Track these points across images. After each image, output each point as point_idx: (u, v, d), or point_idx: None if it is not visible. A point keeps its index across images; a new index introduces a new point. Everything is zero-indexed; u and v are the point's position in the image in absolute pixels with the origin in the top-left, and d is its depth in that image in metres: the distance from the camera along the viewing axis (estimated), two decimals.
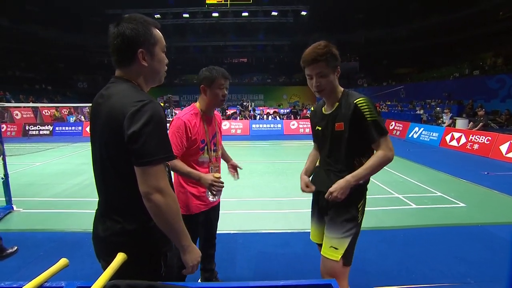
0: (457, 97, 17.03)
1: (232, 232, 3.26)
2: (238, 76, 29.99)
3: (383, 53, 27.42)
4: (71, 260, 0.98)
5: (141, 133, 0.92)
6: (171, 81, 28.58)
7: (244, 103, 17.96)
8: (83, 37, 27.83)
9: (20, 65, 24.19)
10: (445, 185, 4.99)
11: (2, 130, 4.59)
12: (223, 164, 2.07)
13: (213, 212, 2.04)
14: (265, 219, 3.66)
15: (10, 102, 16.38)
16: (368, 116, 1.41)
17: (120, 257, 0.94)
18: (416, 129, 10.92)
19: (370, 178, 1.55)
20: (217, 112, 2.02)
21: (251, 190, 4.84)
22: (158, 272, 1.08)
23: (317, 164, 1.74)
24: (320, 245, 1.64)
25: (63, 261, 0.94)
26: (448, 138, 9.13)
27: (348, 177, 1.44)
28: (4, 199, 3.91)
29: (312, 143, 1.84)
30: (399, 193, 4.59)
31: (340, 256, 1.49)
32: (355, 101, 1.44)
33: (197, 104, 1.85)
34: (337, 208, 1.51)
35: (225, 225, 3.13)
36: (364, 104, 1.43)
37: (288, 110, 18.95)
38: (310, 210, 1.78)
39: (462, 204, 4.09)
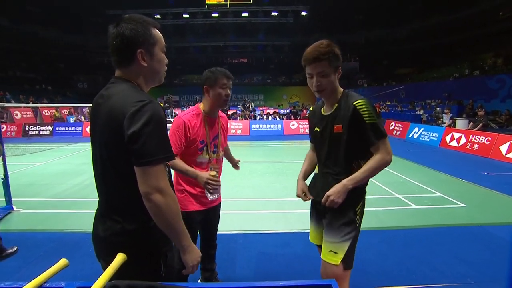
0: (457, 97, 17.02)
1: (232, 232, 3.26)
2: (238, 76, 29.98)
3: (383, 53, 27.45)
4: (71, 260, 0.98)
5: (141, 133, 0.92)
6: (171, 81, 28.59)
7: (247, 104, 17.91)
8: (83, 37, 27.88)
9: (20, 66, 24.20)
10: (445, 186, 4.99)
11: (2, 130, 4.59)
12: (225, 164, 2.07)
13: (213, 212, 2.04)
14: (265, 219, 3.66)
15: (10, 102, 16.39)
16: (367, 118, 1.39)
17: (120, 258, 0.94)
18: (416, 129, 10.92)
19: (369, 179, 1.54)
20: (223, 114, 2.02)
21: (251, 190, 4.85)
22: (158, 272, 1.08)
23: (316, 170, 1.71)
24: (320, 247, 1.63)
25: (63, 262, 0.93)
26: (448, 138, 9.13)
27: (345, 181, 1.43)
28: (4, 199, 3.91)
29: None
30: (399, 193, 4.59)
31: (339, 260, 1.47)
32: (354, 103, 1.41)
33: (200, 105, 1.86)
34: (335, 211, 1.48)
35: (225, 225, 3.12)
36: (363, 106, 1.40)
37: (288, 111, 18.96)
38: (310, 210, 1.77)
39: (462, 205, 4.08)
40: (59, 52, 26.74)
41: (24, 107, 15.24)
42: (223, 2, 25.27)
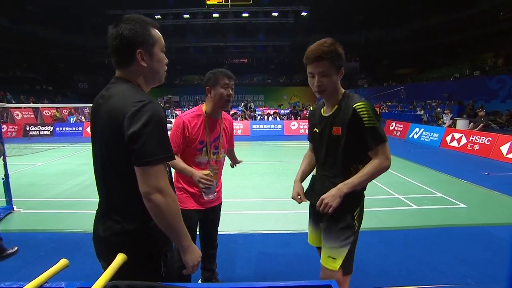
0: (457, 97, 17.01)
1: (232, 232, 3.26)
2: (238, 76, 29.81)
3: (384, 53, 27.42)
4: (71, 260, 0.98)
5: (141, 133, 0.92)
6: (171, 81, 28.60)
7: (249, 104, 17.89)
8: (83, 37, 27.87)
9: (21, 66, 24.22)
10: (446, 186, 4.98)
11: (3, 130, 4.60)
12: (226, 164, 2.06)
13: (213, 212, 2.04)
14: (265, 219, 3.66)
15: (11, 103, 16.40)
16: (366, 122, 1.35)
17: (120, 258, 0.94)
18: (417, 129, 10.91)
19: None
20: (228, 116, 2.01)
21: (251, 190, 4.84)
22: (158, 272, 1.08)
23: (314, 172, 1.69)
24: (319, 248, 1.62)
25: (63, 262, 0.94)
26: (448, 138, 9.13)
27: (340, 185, 1.39)
28: (4, 199, 3.91)
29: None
30: (400, 193, 4.58)
31: (338, 266, 1.44)
32: (354, 105, 1.37)
33: (203, 106, 1.87)
34: (332, 216, 1.44)
35: (225, 226, 3.11)
36: (363, 109, 1.36)
37: (288, 111, 18.94)
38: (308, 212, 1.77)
39: (462, 205, 4.08)
40: (59, 52, 26.74)
41: (25, 107, 15.25)
42: (223, 3, 25.27)
